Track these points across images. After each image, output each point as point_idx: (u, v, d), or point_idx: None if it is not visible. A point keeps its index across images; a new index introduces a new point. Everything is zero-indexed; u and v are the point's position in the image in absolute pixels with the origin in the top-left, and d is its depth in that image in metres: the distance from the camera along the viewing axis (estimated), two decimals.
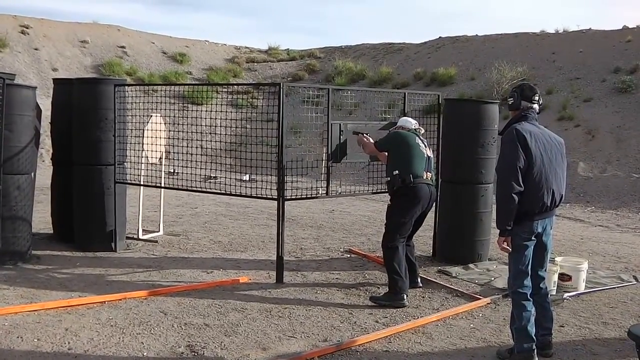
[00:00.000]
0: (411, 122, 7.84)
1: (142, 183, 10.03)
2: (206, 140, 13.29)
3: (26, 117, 8.36)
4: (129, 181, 9.79)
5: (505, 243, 5.41)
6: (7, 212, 8.18)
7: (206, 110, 10.39)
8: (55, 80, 10.60)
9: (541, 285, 5.72)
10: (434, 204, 8.45)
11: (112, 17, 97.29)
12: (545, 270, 5.86)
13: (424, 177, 7.35)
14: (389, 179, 7.45)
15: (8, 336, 5.73)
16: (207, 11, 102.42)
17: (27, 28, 29.38)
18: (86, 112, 9.20)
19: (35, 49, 28.31)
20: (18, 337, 5.74)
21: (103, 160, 9.16)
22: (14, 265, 8.29)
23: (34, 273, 8.04)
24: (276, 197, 7.89)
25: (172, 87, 25.87)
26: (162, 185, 10.37)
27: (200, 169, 9.49)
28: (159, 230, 10.73)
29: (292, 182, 9.13)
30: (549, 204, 5.44)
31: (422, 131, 7.93)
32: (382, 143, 7.76)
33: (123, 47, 30.67)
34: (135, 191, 11.00)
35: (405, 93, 9.59)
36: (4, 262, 8.21)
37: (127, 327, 6.16)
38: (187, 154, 9.32)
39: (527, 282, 5.53)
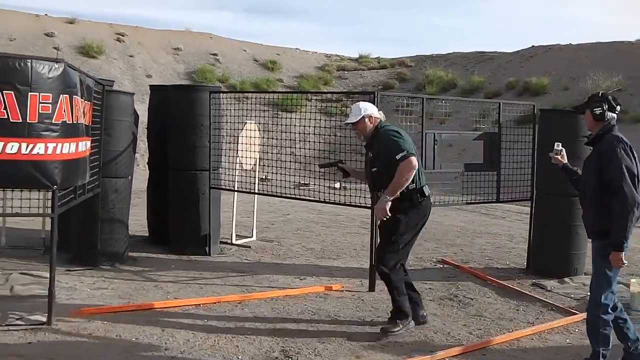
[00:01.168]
0: (374, 106, 6.63)
1: (236, 189, 10.16)
2: (297, 148, 13.39)
3: (124, 122, 8.60)
4: (223, 187, 9.93)
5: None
6: (105, 214, 8.42)
7: (298, 118, 10.42)
8: (151, 87, 10.86)
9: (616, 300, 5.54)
10: None
11: (204, 25, 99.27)
12: None
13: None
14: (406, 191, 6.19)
15: (107, 334, 5.87)
16: (297, 19, 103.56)
17: (122, 36, 30.29)
18: (182, 118, 9.40)
19: (130, 56, 29.13)
20: (117, 335, 5.87)
21: (198, 165, 9.34)
22: (111, 265, 8.50)
23: (130, 274, 8.24)
24: (369, 205, 7.86)
25: (264, 94, 26.13)
26: (256, 191, 10.47)
27: (292, 175, 9.55)
28: (252, 236, 10.86)
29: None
30: None
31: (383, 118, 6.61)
32: (413, 155, 6.13)
33: (215, 54, 31.24)
34: (228, 197, 11.14)
35: (500, 103, 9.46)
36: (101, 263, 8.44)
37: (221, 330, 6.22)
38: (278, 160, 9.39)
39: (612, 297, 5.37)
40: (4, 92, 5.40)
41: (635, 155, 5.25)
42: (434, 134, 8.37)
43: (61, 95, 5.66)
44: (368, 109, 6.36)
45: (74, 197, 6.68)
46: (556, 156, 5.98)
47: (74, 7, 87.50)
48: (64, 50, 27.19)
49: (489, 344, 6.17)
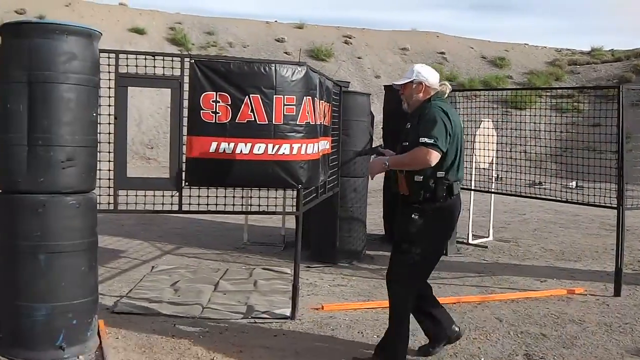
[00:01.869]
0: (435, 75, 5.10)
1: (472, 188, 10.04)
2: (529, 145, 13.00)
3: (361, 123, 8.77)
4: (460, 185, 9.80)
5: None
6: (344, 213, 8.63)
7: (529, 115, 10.10)
8: (386, 87, 10.96)
9: None
10: None
11: (429, 24, 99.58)
12: None
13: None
14: (421, 179, 4.83)
15: (349, 330, 5.97)
16: (524, 14, 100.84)
17: (350, 38, 30.96)
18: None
19: (358, 58, 29.70)
20: (359, 332, 5.95)
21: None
22: (349, 263, 8.70)
23: (368, 272, 8.36)
24: (615, 205, 7.45)
25: (494, 91, 25.61)
26: (492, 190, 10.28)
27: (525, 174, 9.26)
28: (488, 236, 10.68)
29: (632, 190, 8.49)
30: None
31: (449, 90, 5.18)
32: (443, 144, 4.75)
33: (442, 52, 31.11)
34: (465, 196, 11.01)
35: None
36: (340, 260, 8.66)
37: (462, 330, 6.13)
38: (510, 159, 9.14)
39: None
40: (250, 95, 5.66)
41: None
42: None
43: (304, 97, 5.85)
44: (422, 73, 5.00)
45: (315, 195, 6.90)
46: None
47: (302, 12, 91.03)
48: (294, 54, 28.29)
49: None
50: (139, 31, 28.00)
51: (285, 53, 28.60)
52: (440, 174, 4.77)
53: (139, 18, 29.12)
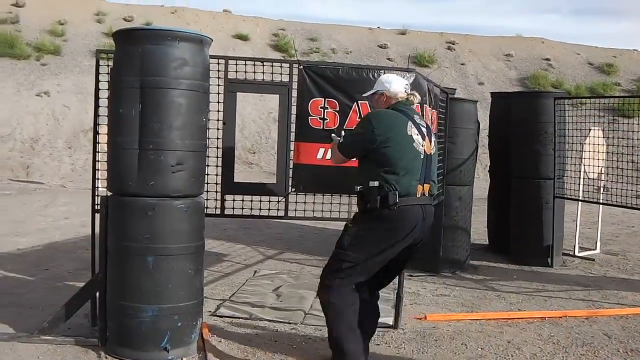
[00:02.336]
0: (399, 83, 4.92)
1: (580, 198, 9.73)
2: (638, 155, 12.53)
3: (468, 130, 8.64)
4: (567, 196, 9.55)
5: None
6: (448, 221, 8.50)
7: (638, 124, 9.70)
8: (493, 94, 10.79)
9: None
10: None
11: (534, 30, 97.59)
12: None
13: (417, 194, 4.67)
14: (360, 189, 4.71)
15: (452, 342, 5.84)
16: (633, 19, 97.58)
17: (453, 44, 30.65)
18: (525, 125, 9.21)
19: (462, 64, 29.36)
20: (462, 344, 5.81)
21: (542, 174, 9.09)
22: (452, 273, 8.57)
23: (471, 282, 8.21)
24: None
25: (602, 99, 24.84)
26: (601, 201, 9.93)
27: (633, 184, 8.89)
28: (595, 248, 10.32)
29: None
30: None
31: (417, 100, 4.97)
32: (348, 143, 4.84)
33: (547, 59, 30.40)
34: (571, 206, 10.70)
35: None
36: (443, 270, 8.53)
37: (569, 346, 5.90)
38: (618, 168, 8.81)
39: None
40: (359, 102, 5.62)
41: None
42: None
43: None
44: (385, 83, 4.90)
45: None
46: None
47: (405, 18, 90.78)
48: (396, 60, 28.18)
49: None
50: (243, 37, 28.44)
51: (388, 59, 28.53)
52: (373, 183, 4.57)
53: (243, 24, 29.58)
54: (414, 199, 4.61)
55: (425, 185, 4.70)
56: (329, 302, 4.78)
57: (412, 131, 4.64)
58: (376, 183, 4.55)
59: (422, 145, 4.67)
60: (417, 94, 4.96)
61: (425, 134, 4.74)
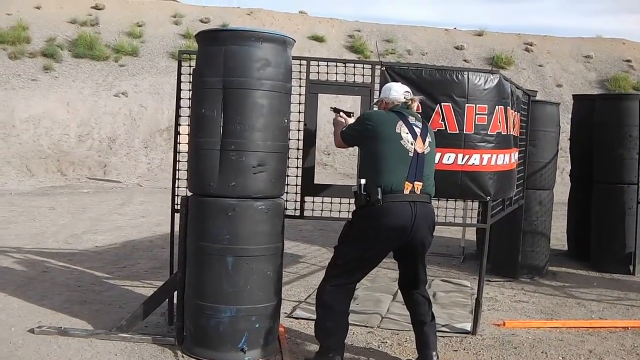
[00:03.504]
0: (398, 90, 5.05)
1: None
2: None
3: (549, 133, 8.48)
4: None
5: None
6: (528, 226, 8.36)
7: None
8: (575, 97, 10.57)
9: None
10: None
11: (615, 31, 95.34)
12: None
13: (405, 191, 4.72)
14: (353, 188, 4.90)
15: (532, 350, 5.70)
16: None
17: (530, 45, 30.11)
18: (609, 129, 8.98)
19: (540, 66, 28.84)
20: (542, 352, 5.67)
21: (625, 178, 8.84)
22: (530, 279, 8.41)
23: (550, 289, 8.02)
24: None
25: None
26: None
27: None
28: None
29: None
30: None
31: (416, 104, 5.08)
32: (348, 132, 5.10)
33: (628, 60, 29.61)
34: None
35: None
36: (521, 275, 8.38)
37: None
38: None
39: None
40: (442, 104, 5.54)
41: None
42: None
43: (496, 107, 5.66)
44: (386, 91, 5.12)
45: (502, 208, 6.67)
46: None
47: (482, 19, 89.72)
48: (473, 62, 27.84)
49: None
50: (319, 39, 28.48)
51: (464, 61, 28.20)
52: (362, 181, 4.75)
53: (318, 26, 29.63)
54: (401, 196, 4.69)
55: (416, 183, 4.75)
56: (320, 297, 4.97)
57: (402, 129, 4.77)
58: (363, 181, 4.73)
59: (411, 144, 4.75)
60: (416, 98, 5.07)
61: (419, 134, 4.83)
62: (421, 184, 4.77)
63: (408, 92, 5.04)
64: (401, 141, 4.72)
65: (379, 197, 4.63)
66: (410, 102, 4.98)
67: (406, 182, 4.70)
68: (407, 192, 4.70)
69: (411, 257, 4.98)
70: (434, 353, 4.99)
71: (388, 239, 4.76)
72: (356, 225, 4.84)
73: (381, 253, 4.90)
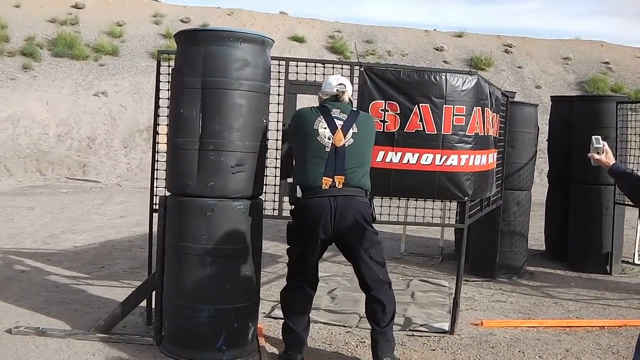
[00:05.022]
0: (332, 83, 5.06)
1: None
2: None
3: (528, 135, 8.53)
4: (628, 202, 9.34)
5: None
6: (506, 226, 8.41)
7: None
8: (553, 98, 10.65)
9: None
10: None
11: (593, 33, 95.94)
12: None
13: (324, 186, 4.75)
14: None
15: (510, 349, 5.74)
16: None
17: (510, 47, 30.31)
18: (587, 130, 8.99)
19: (519, 67, 29.03)
20: (519, 351, 5.71)
21: (603, 180, 8.88)
22: (508, 278, 8.45)
23: (528, 289, 8.08)
24: None
25: None
26: None
27: None
28: None
29: None
30: None
31: (348, 93, 5.07)
32: (286, 134, 5.47)
33: (607, 62, 29.85)
34: (631, 213, 10.47)
35: None
36: (499, 275, 8.42)
37: (629, 356, 5.74)
38: None
39: None
40: (420, 104, 5.56)
41: None
42: None
43: (474, 108, 5.69)
44: (323, 84, 5.18)
45: (479, 209, 6.71)
46: (597, 156, 4.37)
47: (461, 21, 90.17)
48: (453, 63, 27.95)
49: None
50: (299, 39, 28.49)
51: (444, 62, 28.30)
52: (289, 180, 5.02)
53: (299, 26, 29.64)
54: (319, 192, 4.75)
55: (336, 177, 4.76)
56: (281, 298, 5.21)
57: (320, 125, 4.79)
58: (290, 180, 4.98)
59: (328, 139, 4.76)
60: (347, 87, 5.07)
61: (340, 127, 4.80)
62: (343, 177, 4.77)
63: (342, 84, 5.02)
64: (317, 137, 4.77)
65: (299, 195, 4.79)
66: (340, 94, 4.98)
67: (324, 178, 4.74)
68: (327, 188, 4.74)
69: (351, 254, 5.04)
70: (387, 358, 4.97)
71: (312, 235, 4.81)
72: (290, 225, 4.98)
73: (315, 249, 4.91)
